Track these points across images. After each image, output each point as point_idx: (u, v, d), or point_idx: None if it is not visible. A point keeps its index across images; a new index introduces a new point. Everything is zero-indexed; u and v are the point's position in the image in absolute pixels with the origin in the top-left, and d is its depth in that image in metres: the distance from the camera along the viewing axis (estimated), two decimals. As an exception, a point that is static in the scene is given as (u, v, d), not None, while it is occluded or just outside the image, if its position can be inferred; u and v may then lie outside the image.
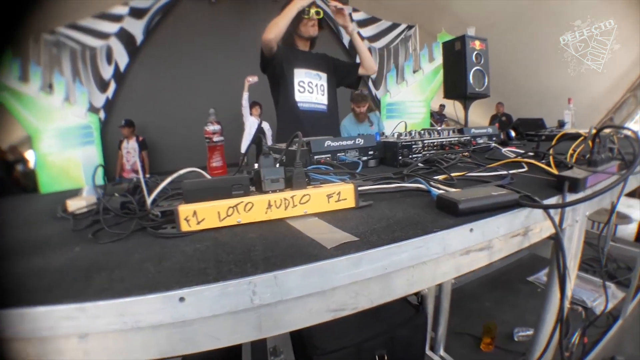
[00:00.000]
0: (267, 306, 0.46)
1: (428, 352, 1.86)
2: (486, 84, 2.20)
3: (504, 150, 1.28)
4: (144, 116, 6.88)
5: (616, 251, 2.73)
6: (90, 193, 0.99)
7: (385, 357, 1.33)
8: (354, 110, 3.87)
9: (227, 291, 0.43)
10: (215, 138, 1.22)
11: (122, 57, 6.77)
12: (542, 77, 8.03)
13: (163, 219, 0.67)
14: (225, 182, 0.64)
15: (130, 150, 6.15)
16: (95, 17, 6.48)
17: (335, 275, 0.48)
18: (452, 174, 0.89)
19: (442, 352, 1.88)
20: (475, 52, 2.14)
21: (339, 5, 2.00)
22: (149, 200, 0.70)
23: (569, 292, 0.78)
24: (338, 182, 0.78)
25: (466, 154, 1.23)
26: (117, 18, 6.60)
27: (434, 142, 1.21)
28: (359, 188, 0.70)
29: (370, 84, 8.32)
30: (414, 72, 7.46)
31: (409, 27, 8.42)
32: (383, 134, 1.33)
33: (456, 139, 1.27)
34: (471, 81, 2.11)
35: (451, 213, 0.63)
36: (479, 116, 8.62)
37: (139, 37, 6.90)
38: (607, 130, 1.02)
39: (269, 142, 6.12)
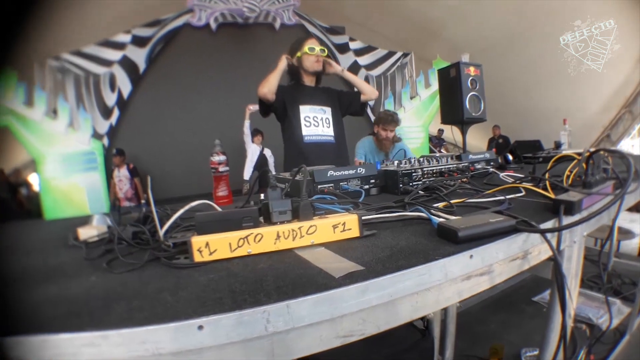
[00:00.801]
0: (280, 333, 0.48)
1: (435, 376, 1.84)
2: (482, 108, 2.25)
3: (501, 175, 1.32)
4: (147, 143, 6.97)
5: (620, 267, 2.71)
6: (100, 222, 1.01)
7: (392, 382, 1.33)
8: (379, 135, 3.09)
9: (243, 320, 0.45)
10: (221, 168, 1.26)
11: (125, 85, 6.89)
12: (537, 98, 8.17)
13: (175, 250, 0.69)
14: (236, 214, 0.67)
15: (122, 178, 6.21)
16: (99, 44, 6.62)
17: (343, 303, 0.50)
18: (452, 201, 0.92)
19: (449, 376, 1.86)
20: (471, 78, 2.20)
21: (328, 60, 2.17)
22: (161, 231, 0.73)
23: (571, 311, 0.80)
24: (342, 212, 0.81)
25: (465, 180, 1.26)
26: (120, 46, 6.74)
27: (433, 170, 1.25)
28: (363, 218, 0.73)
29: (369, 110, 8.45)
30: (411, 98, 7.64)
31: (405, 55, 8.61)
32: (384, 162, 1.36)
33: (455, 165, 1.31)
34: (467, 106, 2.17)
35: (451, 240, 0.66)
36: (476, 139, 8.72)
37: (141, 65, 7.04)
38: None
39: (272, 168, 6.18)
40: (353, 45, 8.31)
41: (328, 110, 2.21)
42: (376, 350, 1.36)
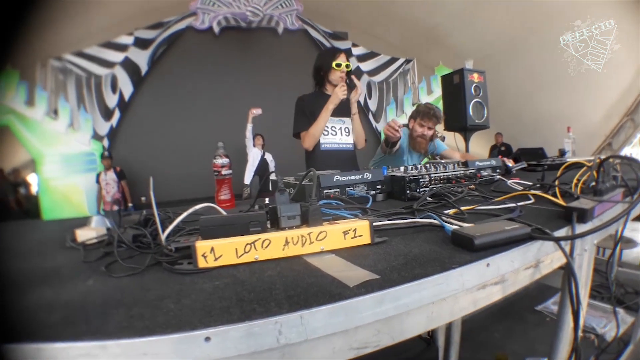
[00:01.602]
0: (292, 345, 0.45)
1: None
2: (485, 115, 2.24)
3: (509, 182, 1.30)
4: (147, 145, 6.99)
5: (623, 276, 2.70)
6: (99, 223, 0.99)
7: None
8: (414, 131, 2.48)
9: (253, 331, 0.43)
10: (224, 171, 1.23)
11: (126, 86, 6.91)
12: (538, 105, 8.19)
13: (178, 254, 0.67)
14: (243, 218, 0.64)
15: (109, 181, 6.14)
16: (101, 45, 6.65)
17: (359, 314, 0.48)
18: (462, 208, 0.90)
19: (454, 385, 1.84)
20: (474, 85, 2.19)
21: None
22: (164, 235, 0.70)
23: (581, 321, 0.77)
24: (350, 217, 0.79)
25: (472, 187, 1.24)
26: (122, 47, 6.78)
27: (441, 176, 1.23)
28: (374, 224, 0.70)
29: (371, 116, 8.47)
30: (413, 104, 7.68)
31: (407, 61, 8.68)
32: (389, 167, 1.34)
33: (462, 172, 1.29)
34: (471, 113, 2.16)
35: (466, 248, 0.64)
36: (479, 146, 8.73)
37: (143, 67, 7.07)
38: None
39: (272, 172, 6.16)
40: (356, 51, 8.36)
41: (347, 120, 2.22)
42: (380, 360, 1.34)
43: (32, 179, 7.00)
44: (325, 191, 1.08)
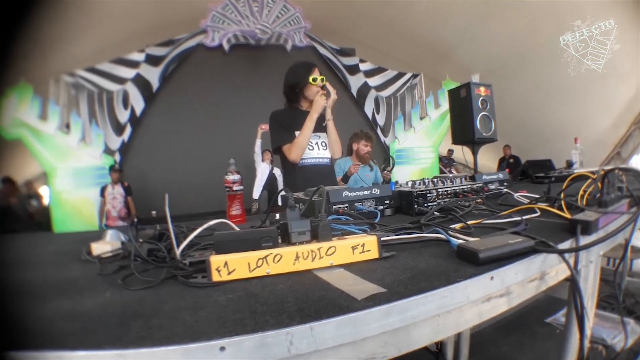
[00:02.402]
0: (302, 355, 0.47)
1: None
2: (493, 128, 2.25)
3: (516, 195, 1.31)
4: (158, 160, 7.04)
5: (633, 286, 2.66)
6: (113, 237, 1.01)
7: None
8: (359, 151, 3.42)
9: (266, 341, 0.45)
10: (235, 187, 1.26)
11: (138, 102, 6.99)
12: (546, 116, 8.15)
13: (192, 268, 0.69)
14: (255, 234, 0.67)
15: (116, 195, 5.89)
16: (113, 62, 6.76)
17: (366, 326, 0.50)
18: (469, 222, 0.91)
19: (463, 400, 1.81)
20: (481, 98, 2.21)
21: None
22: (178, 249, 0.73)
23: (588, 332, 0.78)
24: (359, 232, 0.81)
25: (480, 201, 1.25)
26: (133, 64, 6.87)
27: (448, 190, 1.24)
28: (382, 239, 0.72)
29: (379, 131, 8.49)
30: (421, 118, 7.71)
31: (414, 76, 8.70)
32: (397, 182, 1.36)
33: (469, 186, 1.30)
34: (478, 126, 2.17)
35: (471, 262, 0.66)
36: (487, 159, 8.69)
37: (155, 84, 7.16)
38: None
39: (280, 186, 6.18)
40: (363, 66, 8.41)
41: (323, 135, 2.21)
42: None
43: (44, 191, 7.11)
44: (334, 206, 1.10)
